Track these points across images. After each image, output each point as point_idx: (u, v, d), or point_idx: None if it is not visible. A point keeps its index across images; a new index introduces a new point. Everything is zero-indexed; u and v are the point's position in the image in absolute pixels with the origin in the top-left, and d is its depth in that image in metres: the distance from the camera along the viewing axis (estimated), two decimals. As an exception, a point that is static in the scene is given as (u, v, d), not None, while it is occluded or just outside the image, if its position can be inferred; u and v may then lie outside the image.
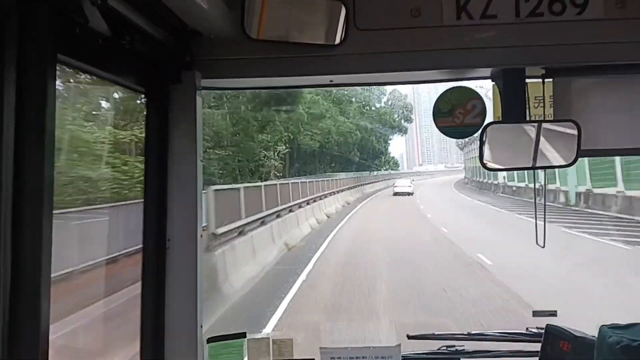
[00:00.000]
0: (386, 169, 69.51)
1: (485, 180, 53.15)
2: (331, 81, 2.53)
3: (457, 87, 2.54)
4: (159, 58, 2.14)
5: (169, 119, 2.28)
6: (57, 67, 1.53)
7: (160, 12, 1.91)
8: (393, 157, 78.57)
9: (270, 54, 2.28)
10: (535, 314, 3.16)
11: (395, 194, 49.27)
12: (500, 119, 2.41)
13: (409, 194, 48.85)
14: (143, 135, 2.29)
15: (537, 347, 2.76)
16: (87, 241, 6.37)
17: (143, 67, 2.11)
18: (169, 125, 2.29)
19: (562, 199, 29.63)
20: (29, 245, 1.42)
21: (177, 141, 2.29)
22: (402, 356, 2.64)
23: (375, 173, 62.55)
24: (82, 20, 1.56)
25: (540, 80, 2.42)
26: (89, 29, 1.61)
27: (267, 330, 9.02)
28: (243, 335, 2.62)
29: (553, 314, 3.17)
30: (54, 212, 1.50)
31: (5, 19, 1.36)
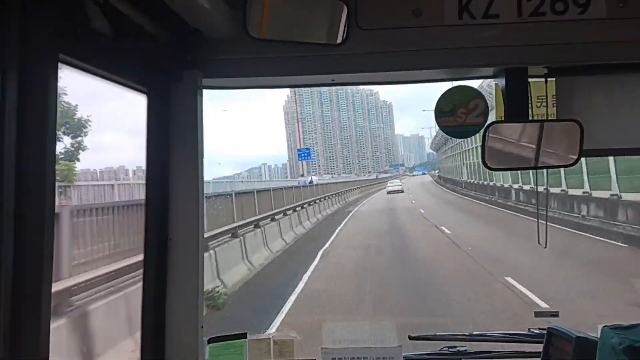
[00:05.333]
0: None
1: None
2: (333, 80, 2.53)
3: (459, 86, 2.53)
4: (160, 57, 2.14)
5: (170, 119, 2.27)
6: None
7: (162, 11, 1.90)
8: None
9: (271, 53, 2.27)
10: (537, 314, 3.16)
11: (389, 192, 56.33)
12: (503, 119, 2.41)
13: (400, 191, 56.70)
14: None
15: (539, 347, 2.76)
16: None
17: (144, 66, 2.10)
18: (170, 124, 2.28)
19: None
20: (30, 245, 1.41)
21: (179, 140, 2.29)
22: (404, 357, 2.64)
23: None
24: (84, 19, 1.56)
25: (543, 79, 2.41)
26: (91, 28, 1.60)
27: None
28: (244, 335, 2.62)
29: (555, 314, 3.17)
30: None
31: (6, 18, 1.36)
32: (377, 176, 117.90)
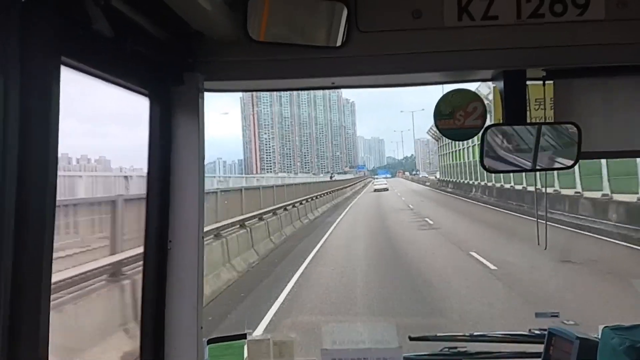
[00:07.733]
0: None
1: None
2: (333, 83, 2.53)
3: (457, 89, 2.54)
4: (161, 60, 2.14)
5: (171, 121, 2.28)
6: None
7: (163, 13, 1.91)
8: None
9: (272, 55, 2.28)
10: (538, 315, 3.16)
11: (376, 190, 61.50)
12: (501, 121, 2.41)
13: (386, 189, 61.09)
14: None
15: (539, 348, 2.77)
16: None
17: (146, 68, 2.10)
18: (171, 127, 2.28)
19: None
20: (31, 247, 1.42)
21: (180, 143, 2.29)
22: (404, 357, 2.64)
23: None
24: (85, 21, 1.56)
25: (541, 82, 2.42)
26: (92, 30, 1.61)
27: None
28: (243, 336, 2.63)
29: (555, 315, 3.17)
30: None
31: (7, 21, 1.37)
32: (331, 177, 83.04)
